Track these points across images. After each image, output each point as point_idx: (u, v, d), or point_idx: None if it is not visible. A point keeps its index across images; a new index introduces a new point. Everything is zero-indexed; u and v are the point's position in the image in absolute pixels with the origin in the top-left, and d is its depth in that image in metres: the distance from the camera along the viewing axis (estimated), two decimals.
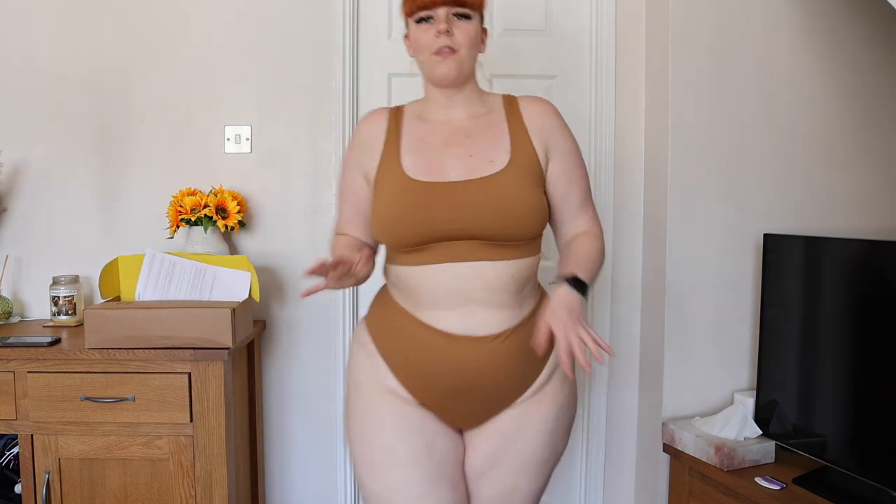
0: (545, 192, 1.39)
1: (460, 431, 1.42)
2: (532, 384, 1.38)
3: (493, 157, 1.34)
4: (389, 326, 1.39)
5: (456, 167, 1.33)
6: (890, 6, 1.92)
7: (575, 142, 1.43)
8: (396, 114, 1.44)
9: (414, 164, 1.34)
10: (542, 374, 1.40)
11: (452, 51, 1.34)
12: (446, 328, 1.32)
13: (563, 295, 1.27)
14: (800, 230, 2.03)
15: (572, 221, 1.43)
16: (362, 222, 1.44)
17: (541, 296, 1.42)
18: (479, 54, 1.41)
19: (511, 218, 1.29)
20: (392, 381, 1.38)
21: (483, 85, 1.46)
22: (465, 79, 1.38)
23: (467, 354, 1.32)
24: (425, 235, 1.30)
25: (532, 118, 1.40)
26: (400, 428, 1.36)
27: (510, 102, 1.43)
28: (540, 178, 1.37)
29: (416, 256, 1.32)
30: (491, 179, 1.30)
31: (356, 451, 1.40)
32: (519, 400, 1.39)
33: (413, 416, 1.37)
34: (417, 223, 1.29)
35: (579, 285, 1.29)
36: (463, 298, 1.31)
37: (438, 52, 1.34)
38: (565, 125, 1.43)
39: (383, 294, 1.45)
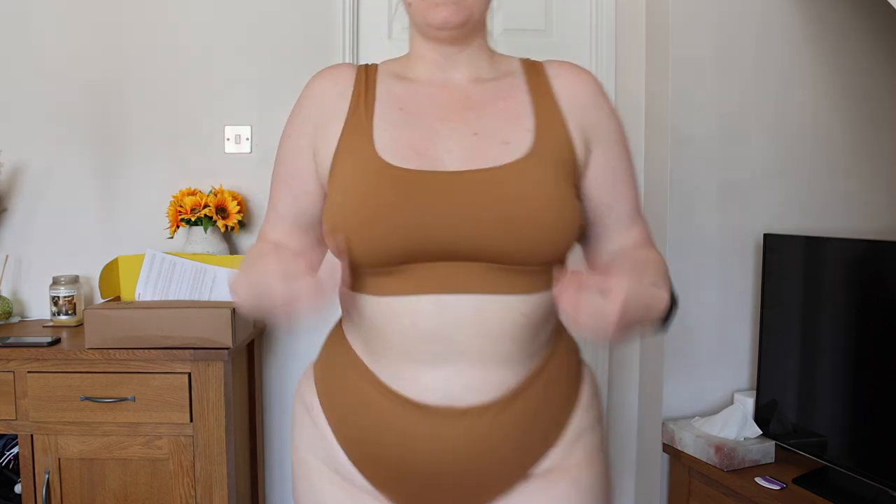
0: (578, 196, 0.99)
1: None
2: (541, 458, 0.96)
3: (508, 137, 0.93)
4: (340, 384, 0.98)
5: (454, 150, 0.92)
6: (890, 6, 1.92)
7: (624, 131, 1.03)
8: (367, 72, 1.01)
9: (392, 143, 0.92)
10: (559, 443, 0.97)
11: None
12: (418, 395, 0.91)
13: (656, 290, 0.90)
14: (800, 230, 2.03)
15: (621, 234, 1.02)
16: (302, 224, 1.01)
17: (558, 341, 0.99)
18: None
19: (534, 229, 0.87)
20: (345, 464, 0.98)
21: None
22: (471, 30, 0.97)
23: (447, 436, 0.91)
24: (404, 250, 0.88)
25: (567, 90, 0.98)
26: None
27: (533, 67, 1.01)
28: (574, 175, 0.95)
29: (386, 282, 0.90)
30: (506, 171, 0.89)
31: None
32: (520, 483, 0.96)
33: None
34: (394, 231, 0.87)
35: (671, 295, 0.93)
36: (448, 349, 0.89)
37: None
38: (611, 105, 1.03)
39: (336, 334, 1.03)
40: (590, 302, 0.82)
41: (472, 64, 0.99)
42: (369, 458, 0.96)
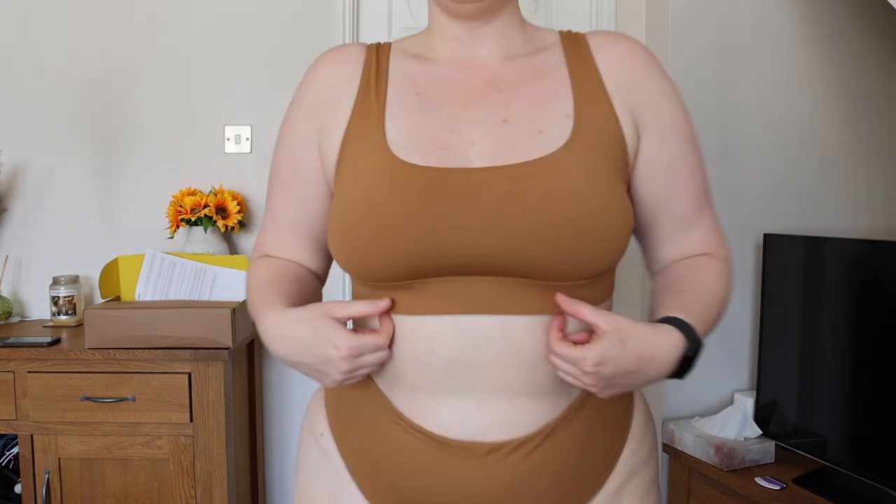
0: (629, 191, 0.83)
1: None
2: (590, 501, 0.83)
3: (543, 125, 0.78)
4: (353, 410, 0.85)
5: (479, 141, 0.77)
6: (890, 6, 1.92)
7: (684, 107, 0.88)
8: (379, 52, 0.87)
9: (407, 135, 0.78)
10: (603, 488, 0.83)
11: None
12: (437, 428, 0.78)
13: (662, 336, 0.76)
14: (800, 230, 2.02)
15: (678, 238, 0.87)
16: (310, 233, 0.89)
17: None
18: None
19: (578, 236, 0.73)
20: (356, 498, 0.85)
21: None
22: (498, 1, 0.82)
23: (470, 475, 0.78)
24: (420, 263, 0.74)
25: (613, 65, 0.82)
26: None
27: (573, 40, 0.86)
28: (623, 168, 0.80)
29: (398, 298, 0.77)
30: (541, 165, 0.75)
31: None
32: None
33: None
34: (409, 242, 0.74)
35: (690, 338, 0.77)
36: (470, 379, 0.76)
37: None
38: (667, 80, 0.86)
39: None
40: (565, 346, 0.72)
41: (502, 38, 0.84)
42: (383, 495, 0.83)
